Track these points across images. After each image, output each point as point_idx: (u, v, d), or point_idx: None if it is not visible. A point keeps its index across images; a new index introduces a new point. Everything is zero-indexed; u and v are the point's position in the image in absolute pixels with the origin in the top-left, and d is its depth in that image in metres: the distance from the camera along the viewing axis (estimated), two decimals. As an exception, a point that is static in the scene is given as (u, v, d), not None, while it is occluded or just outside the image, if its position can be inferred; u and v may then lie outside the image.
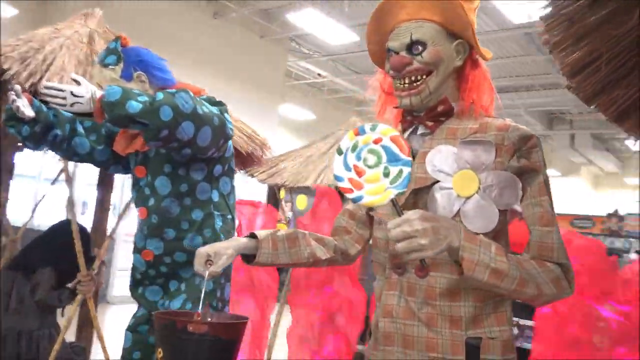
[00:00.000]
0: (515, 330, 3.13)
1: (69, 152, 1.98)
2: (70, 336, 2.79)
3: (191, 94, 1.66)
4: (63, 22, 2.90)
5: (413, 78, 1.30)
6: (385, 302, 1.30)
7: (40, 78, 2.33)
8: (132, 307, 2.10)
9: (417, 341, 1.23)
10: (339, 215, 1.56)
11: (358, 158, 1.12)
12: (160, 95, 1.59)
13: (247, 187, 6.83)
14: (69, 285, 2.62)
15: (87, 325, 3.00)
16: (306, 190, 4.49)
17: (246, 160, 3.19)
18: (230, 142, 1.95)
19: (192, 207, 1.90)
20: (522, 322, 3.14)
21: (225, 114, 1.82)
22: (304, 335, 3.17)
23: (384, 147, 1.09)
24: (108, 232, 3.12)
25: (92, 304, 2.61)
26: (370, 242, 1.54)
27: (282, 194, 5.48)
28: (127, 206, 2.90)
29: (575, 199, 14.31)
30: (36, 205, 3.37)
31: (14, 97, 1.76)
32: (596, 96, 1.21)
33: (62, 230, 2.78)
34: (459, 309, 1.22)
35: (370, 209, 1.45)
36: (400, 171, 1.07)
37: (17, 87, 1.80)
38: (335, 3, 7.71)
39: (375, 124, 1.12)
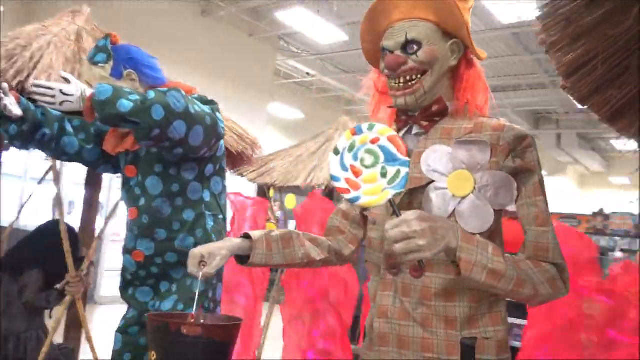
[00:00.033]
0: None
1: (58, 152, 1.95)
2: (57, 338, 2.75)
3: (183, 92, 1.64)
4: (50, 19, 2.86)
5: (408, 77, 1.29)
6: (380, 302, 1.29)
7: (28, 76, 2.29)
8: (120, 308, 2.07)
9: (412, 342, 1.23)
10: (333, 215, 1.55)
11: (355, 158, 1.11)
12: (151, 94, 1.57)
13: (236, 187, 6.79)
14: (58, 286, 2.58)
15: (75, 327, 2.95)
16: (295, 190, 4.48)
17: (236, 160, 3.17)
18: (221, 142, 1.93)
19: (183, 207, 1.88)
20: (511, 320, 3.16)
21: (217, 113, 1.81)
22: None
23: (382, 147, 1.08)
24: (96, 232, 3.08)
25: (81, 305, 2.58)
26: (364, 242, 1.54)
27: (272, 193, 5.46)
28: (116, 206, 2.87)
29: (561, 198, 14.44)
30: (23, 205, 3.32)
31: (1, 95, 1.73)
32: (591, 96, 1.22)
33: (50, 230, 2.74)
34: (454, 310, 1.22)
35: (364, 209, 1.45)
36: (398, 171, 1.06)
37: (4, 85, 1.76)
38: (324, 2, 7.70)
39: (372, 124, 1.11)
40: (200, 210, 1.90)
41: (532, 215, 1.21)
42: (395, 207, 1.07)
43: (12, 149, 2.98)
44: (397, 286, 1.27)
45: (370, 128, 1.11)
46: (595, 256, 2.31)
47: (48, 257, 2.67)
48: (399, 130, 1.36)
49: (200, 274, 1.28)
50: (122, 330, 1.96)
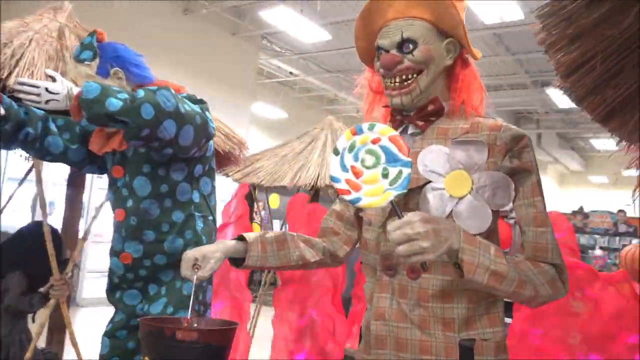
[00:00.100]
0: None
1: (42, 152, 1.89)
2: (40, 341, 2.69)
3: (173, 91, 1.61)
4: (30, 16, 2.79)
5: (404, 77, 1.28)
6: (377, 304, 1.28)
7: (9, 74, 2.22)
8: (102, 310, 2.03)
9: (410, 344, 1.22)
10: (326, 216, 1.54)
11: (355, 158, 1.09)
12: (141, 93, 1.53)
13: (220, 187, 6.74)
14: (42, 289, 2.52)
15: (58, 330, 2.89)
16: (282, 190, 4.45)
17: (223, 160, 3.13)
18: (211, 142, 1.90)
19: (172, 208, 1.84)
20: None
21: (207, 113, 1.77)
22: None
23: (383, 147, 1.06)
24: (80, 234, 3.02)
25: (65, 308, 2.52)
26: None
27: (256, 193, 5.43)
28: (101, 207, 2.81)
29: (541, 196, 14.61)
30: (3, 207, 3.23)
31: None
32: (587, 96, 1.22)
33: (32, 232, 2.68)
34: (451, 311, 1.21)
35: (359, 209, 1.43)
36: (400, 172, 1.04)
37: None
38: (307, 1, 7.68)
39: (373, 124, 1.09)
40: (190, 212, 1.87)
41: (530, 215, 1.21)
42: (397, 209, 1.05)
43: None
44: (393, 288, 1.26)
45: (371, 128, 1.09)
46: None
47: (31, 260, 2.61)
48: (394, 130, 1.35)
49: (195, 277, 1.25)
50: (109, 334, 1.92)
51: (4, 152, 2.48)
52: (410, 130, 1.33)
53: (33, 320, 2.71)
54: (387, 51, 1.29)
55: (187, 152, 1.74)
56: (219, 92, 8.39)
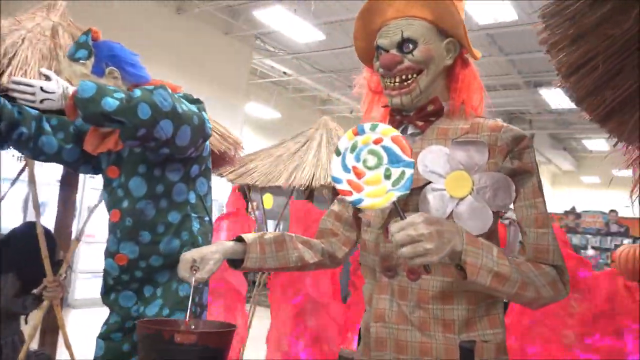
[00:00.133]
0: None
1: (36, 152, 1.86)
2: (33, 343, 2.65)
3: (169, 91, 1.59)
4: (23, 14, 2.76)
5: (404, 77, 1.27)
6: (377, 306, 1.27)
7: (2, 73, 2.20)
8: (94, 311, 2.01)
9: (410, 346, 1.21)
10: (325, 217, 1.53)
11: (357, 159, 1.08)
12: (137, 92, 1.51)
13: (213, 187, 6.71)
14: (35, 291, 2.48)
15: (51, 332, 2.86)
16: (277, 190, 4.43)
17: (218, 160, 3.11)
18: (207, 142, 1.88)
19: (168, 209, 1.82)
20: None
21: (204, 112, 1.76)
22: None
23: (385, 148, 1.05)
24: (73, 234, 2.99)
25: (59, 310, 2.49)
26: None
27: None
28: (95, 207, 2.78)
29: (534, 196, 14.68)
30: (-4, 207, 3.20)
31: None
32: (588, 97, 1.21)
33: (25, 233, 2.65)
34: (451, 312, 1.21)
35: (358, 210, 1.42)
36: (403, 173, 1.03)
37: None
38: (301, 1, 7.67)
39: (375, 124, 1.08)
40: (186, 212, 1.85)
41: (531, 217, 1.20)
42: (400, 210, 1.04)
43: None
44: (393, 289, 1.25)
45: (373, 128, 1.08)
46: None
47: (24, 261, 2.58)
48: (393, 131, 1.34)
49: (193, 279, 1.24)
50: (104, 336, 1.89)
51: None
52: (410, 131, 1.32)
53: (26, 322, 2.68)
54: (387, 51, 1.29)
55: (184, 153, 1.72)
56: (211, 92, 8.35)
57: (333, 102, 13.62)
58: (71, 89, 1.52)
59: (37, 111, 1.81)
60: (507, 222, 3.28)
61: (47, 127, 1.87)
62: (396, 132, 1.09)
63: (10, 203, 4.68)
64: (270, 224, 6.47)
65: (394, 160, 1.05)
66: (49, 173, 6.17)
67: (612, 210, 11.97)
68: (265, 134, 11.74)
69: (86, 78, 1.70)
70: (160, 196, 1.81)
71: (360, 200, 1.06)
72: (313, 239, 1.47)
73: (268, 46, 10.27)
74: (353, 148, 1.09)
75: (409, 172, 1.04)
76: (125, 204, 1.81)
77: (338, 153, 1.11)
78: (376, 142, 1.06)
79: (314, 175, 3.92)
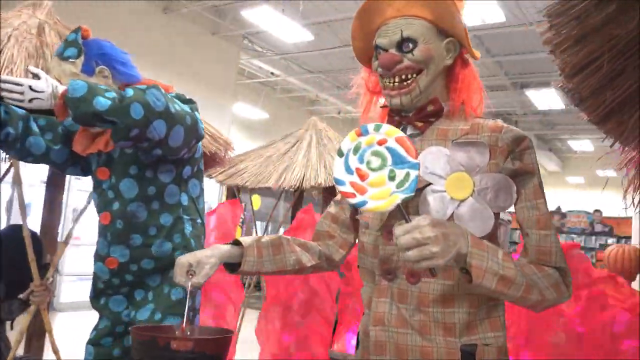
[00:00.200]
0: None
1: (23, 153, 1.81)
2: (19, 348, 2.60)
3: (162, 90, 1.55)
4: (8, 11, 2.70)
5: (403, 77, 1.25)
6: (376, 309, 1.24)
7: (-13, 72, 2.15)
8: (80, 314, 1.97)
9: (411, 350, 1.19)
10: (321, 219, 1.50)
11: (361, 160, 1.05)
12: (130, 92, 1.47)
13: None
14: (21, 296, 2.43)
15: (37, 337, 2.80)
16: (266, 191, 4.40)
17: (208, 161, 3.07)
18: (200, 143, 1.85)
19: (160, 211, 1.79)
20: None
21: (196, 113, 1.72)
22: (274, 315, 3.14)
23: (389, 149, 1.03)
24: (59, 237, 2.93)
25: (46, 315, 2.44)
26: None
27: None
28: (84, 210, 2.73)
29: (520, 197, 14.80)
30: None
31: None
32: (590, 97, 1.20)
33: (10, 236, 2.58)
34: (452, 316, 1.19)
35: (355, 212, 1.40)
36: (407, 174, 1.01)
37: None
38: (289, 1, 7.63)
39: (379, 124, 1.06)
40: (178, 215, 1.82)
41: (533, 218, 1.19)
42: (405, 212, 1.02)
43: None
44: (392, 292, 1.23)
45: (377, 129, 1.05)
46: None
47: (9, 265, 2.51)
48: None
49: (189, 284, 1.20)
50: (93, 342, 1.85)
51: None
52: (409, 132, 1.30)
53: (11, 328, 2.62)
54: (386, 50, 1.26)
55: (176, 154, 1.69)
56: (199, 92, 8.25)
57: (321, 103, 13.60)
58: (61, 88, 1.48)
59: (24, 111, 1.76)
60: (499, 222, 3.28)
61: (34, 127, 1.82)
62: (401, 133, 1.07)
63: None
64: (259, 225, 6.44)
65: (399, 161, 1.02)
66: (34, 174, 6.07)
67: (596, 210, 12.12)
68: (253, 134, 11.69)
69: (76, 77, 1.66)
70: (152, 198, 1.77)
71: (364, 203, 1.03)
72: (310, 242, 1.45)
73: (256, 46, 10.22)
74: (356, 149, 1.07)
75: (413, 173, 1.02)
76: (115, 206, 1.78)
77: (341, 154, 1.09)
78: (380, 143, 1.04)
79: (304, 176, 3.90)
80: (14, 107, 1.72)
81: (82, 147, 1.74)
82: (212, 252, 1.27)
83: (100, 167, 1.82)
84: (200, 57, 8.88)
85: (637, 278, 4.21)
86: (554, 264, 1.16)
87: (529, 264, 1.15)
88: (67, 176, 2.77)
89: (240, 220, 8.72)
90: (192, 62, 8.63)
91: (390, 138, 1.04)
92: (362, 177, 1.04)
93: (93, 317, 1.91)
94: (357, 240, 1.43)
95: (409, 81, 1.25)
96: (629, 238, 10.72)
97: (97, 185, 1.84)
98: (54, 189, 3.02)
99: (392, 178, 1.01)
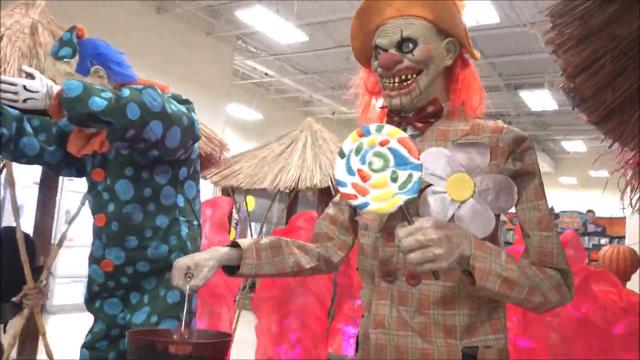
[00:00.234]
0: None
1: (16, 154, 1.78)
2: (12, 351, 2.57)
3: (159, 91, 1.54)
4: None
5: (403, 77, 1.24)
6: (376, 312, 1.23)
7: (-20, 71, 2.12)
8: (73, 317, 1.95)
9: (411, 352, 1.18)
10: (320, 221, 1.49)
11: (363, 161, 1.04)
12: (126, 92, 1.45)
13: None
14: (14, 298, 2.40)
15: (30, 339, 2.77)
16: (262, 192, 4.38)
17: (203, 162, 3.06)
18: (196, 144, 1.83)
19: (156, 213, 1.77)
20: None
21: (193, 113, 1.71)
22: (270, 315, 3.13)
23: (392, 150, 1.01)
24: (52, 239, 2.90)
25: (40, 317, 2.41)
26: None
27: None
28: (78, 212, 2.70)
29: (513, 197, 14.86)
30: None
31: None
32: (591, 98, 1.20)
33: (2, 238, 2.55)
34: (453, 318, 1.18)
35: (354, 213, 1.39)
36: (410, 175, 0.99)
37: None
38: (284, 2, 7.62)
39: (380, 125, 1.04)
40: (174, 216, 1.80)
41: (534, 219, 1.18)
42: (407, 214, 1.01)
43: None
44: (392, 294, 1.22)
45: (379, 129, 1.04)
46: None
47: (2, 268, 2.48)
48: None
49: (187, 287, 1.19)
50: (88, 346, 1.83)
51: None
52: (409, 132, 1.29)
53: (4, 331, 2.59)
54: (386, 50, 1.25)
55: (173, 154, 1.67)
56: (193, 92, 8.19)
57: (315, 104, 13.59)
58: (56, 88, 1.46)
59: (17, 111, 1.74)
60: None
61: (28, 128, 1.80)
62: (403, 134, 1.05)
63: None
64: (254, 226, 6.42)
65: (401, 162, 1.01)
66: (26, 175, 6.02)
67: (589, 211, 12.17)
68: (247, 135, 11.66)
69: (70, 77, 1.64)
70: (147, 200, 1.75)
71: (365, 204, 1.02)
72: (309, 244, 1.43)
73: (250, 47, 10.19)
74: (358, 150, 1.05)
75: (416, 174, 1.00)
76: (111, 207, 1.75)
77: (342, 155, 1.07)
78: (382, 143, 1.02)
79: (299, 177, 3.88)
80: (7, 108, 1.70)
81: (77, 148, 1.72)
82: (211, 255, 1.26)
83: (95, 169, 1.79)
84: (194, 58, 8.85)
85: (632, 278, 4.24)
86: (555, 265, 1.16)
87: (531, 266, 1.15)
88: (60, 178, 2.75)
89: (235, 221, 8.70)
90: (186, 63, 8.60)
91: (392, 139, 1.02)
92: (364, 179, 1.02)
93: (87, 319, 1.88)
94: (355, 242, 1.41)
95: (409, 81, 1.24)
96: (621, 238, 10.78)
97: (92, 186, 1.82)
98: (47, 190, 2.99)
99: (394, 179, 1.00)
